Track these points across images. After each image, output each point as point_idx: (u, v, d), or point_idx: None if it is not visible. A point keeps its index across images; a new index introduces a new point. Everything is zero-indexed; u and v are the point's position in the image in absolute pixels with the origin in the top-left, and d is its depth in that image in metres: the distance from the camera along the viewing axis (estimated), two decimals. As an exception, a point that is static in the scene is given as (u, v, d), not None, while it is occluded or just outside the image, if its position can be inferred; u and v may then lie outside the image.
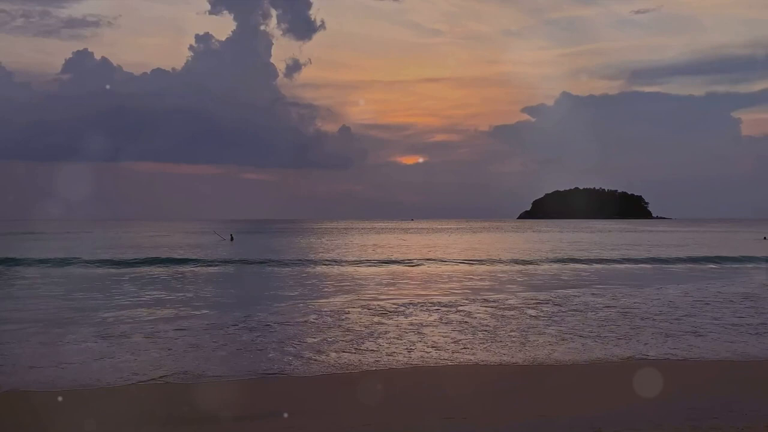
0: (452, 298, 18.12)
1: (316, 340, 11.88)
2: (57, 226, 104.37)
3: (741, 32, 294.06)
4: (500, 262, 32.74)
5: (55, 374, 9.36)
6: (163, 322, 13.54)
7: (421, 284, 22.58)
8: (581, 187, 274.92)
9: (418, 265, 31.04)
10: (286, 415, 7.43)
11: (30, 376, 9.29)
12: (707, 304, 17.23)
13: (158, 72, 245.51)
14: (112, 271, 27.02)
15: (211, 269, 28.34)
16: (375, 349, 11.13)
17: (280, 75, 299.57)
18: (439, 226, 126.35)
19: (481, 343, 11.61)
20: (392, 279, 24.53)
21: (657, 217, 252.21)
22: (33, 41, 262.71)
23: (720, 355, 10.84)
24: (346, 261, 33.19)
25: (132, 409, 7.77)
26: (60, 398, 8.09)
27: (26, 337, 12.12)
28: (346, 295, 18.94)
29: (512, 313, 15.32)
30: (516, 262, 32.73)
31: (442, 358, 10.50)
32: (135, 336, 12.24)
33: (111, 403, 8.05)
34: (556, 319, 14.45)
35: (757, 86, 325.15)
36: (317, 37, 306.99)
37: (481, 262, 32.68)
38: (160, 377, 9.21)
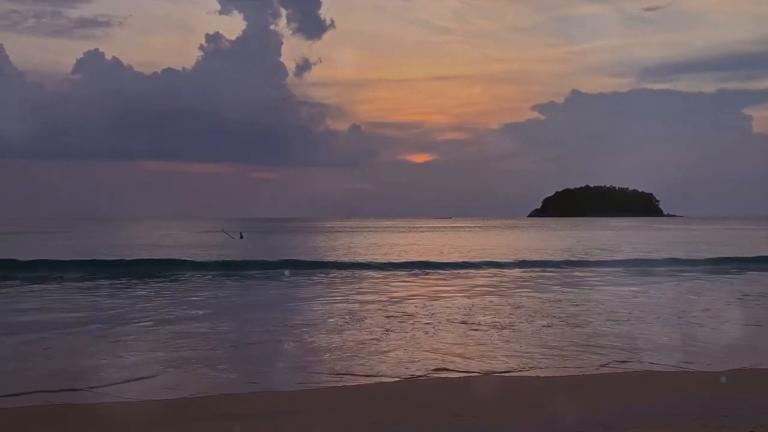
0: (475, 301, 17.91)
1: (329, 346, 11.73)
2: (68, 225, 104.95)
3: (751, 29, 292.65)
4: (523, 263, 31.77)
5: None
6: (177, 334, 13.24)
7: (445, 287, 22.17)
8: (592, 185, 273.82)
9: (445, 267, 30.22)
10: (289, 412, 7.46)
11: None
12: (730, 303, 17.19)
13: (169, 71, 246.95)
14: (127, 272, 26.84)
15: (220, 271, 28.10)
16: (388, 353, 11.06)
17: (290, 74, 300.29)
18: (481, 225, 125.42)
19: (496, 349, 11.51)
20: (416, 281, 24.33)
21: (668, 215, 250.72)
22: (44, 41, 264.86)
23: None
24: (366, 262, 32.49)
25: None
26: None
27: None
28: (363, 298, 18.77)
29: (532, 315, 15.22)
30: (537, 263, 32.01)
31: (456, 363, 10.41)
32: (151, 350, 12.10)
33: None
34: (573, 322, 14.35)
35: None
36: (327, 36, 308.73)
37: (509, 265, 31.26)
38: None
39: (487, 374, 9.57)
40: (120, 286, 21.72)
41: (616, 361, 10.26)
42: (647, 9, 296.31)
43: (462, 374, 9.55)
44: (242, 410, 7.62)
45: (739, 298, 18.43)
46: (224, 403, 8.03)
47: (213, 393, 8.55)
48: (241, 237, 57.32)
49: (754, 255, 34.09)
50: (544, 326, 13.41)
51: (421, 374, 9.50)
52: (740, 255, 34.84)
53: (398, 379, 9.34)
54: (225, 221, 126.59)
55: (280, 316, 15.33)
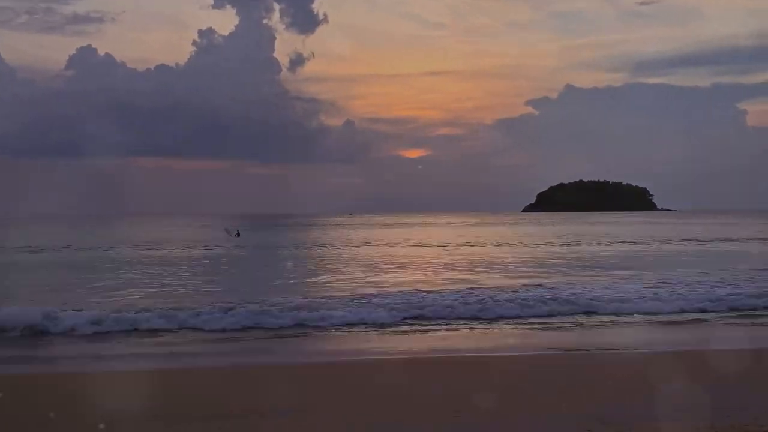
0: (469, 287, 18.15)
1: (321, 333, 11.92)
2: (61, 223, 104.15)
3: (746, 22, 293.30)
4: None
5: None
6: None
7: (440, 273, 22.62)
8: (586, 180, 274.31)
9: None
10: (290, 410, 7.43)
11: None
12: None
13: (162, 67, 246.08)
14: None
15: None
16: (383, 339, 11.06)
17: (284, 69, 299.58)
18: (476, 220, 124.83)
19: (490, 334, 11.57)
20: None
21: (662, 209, 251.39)
22: (37, 37, 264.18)
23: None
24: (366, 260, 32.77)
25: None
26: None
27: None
28: (355, 284, 18.97)
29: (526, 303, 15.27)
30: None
31: (450, 349, 10.44)
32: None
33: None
34: (566, 307, 14.47)
35: (763, 77, 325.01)
36: (320, 30, 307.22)
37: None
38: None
39: (485, 357, 9.57)
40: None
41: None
42: (641, 3, 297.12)
43: (458, 358, 9.55)
44: (236, 410, 7.55)
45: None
46: (218, 401, 7.97)
47: (207, 391, 8.53)
48: (238, 235, 57.07)
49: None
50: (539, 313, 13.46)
51: (418, 358, 9.50)
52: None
53: (392, 360, 9.32)
54: (219, 217, 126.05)
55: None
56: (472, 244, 44.01)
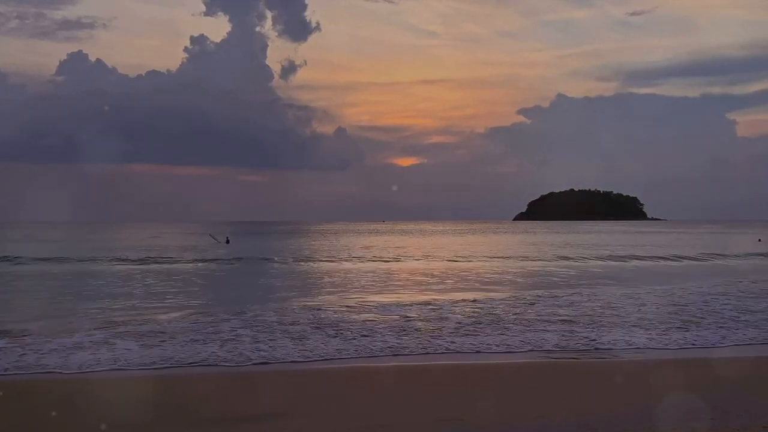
0: (451, 297, 18.11)
1: (309, 336, 11.80)
2: (51, 229, 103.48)
3: (736, 33, 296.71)
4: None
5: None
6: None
7: (424, 284, 22.44)
8: (576, 189, 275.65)
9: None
10: (276, 415, 7.40)
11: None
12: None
13: (153, 74, 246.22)
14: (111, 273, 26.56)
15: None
16: (368, 346, 11.10)
17: (276, 77, 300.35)
18: (467, 228, 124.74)
19: (478, 340, 11.57)
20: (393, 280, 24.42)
21: (652, 219, 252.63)
22: (28, 43, 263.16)
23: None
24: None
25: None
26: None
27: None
28: (340, 293, 18.91)
29: (508, 309, 15.31)
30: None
31: (437, 355, 10.45)
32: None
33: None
34: (552, 317, 14.47)
35: (752, 87, 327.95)
36: (313, 38, 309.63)
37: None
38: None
39: (473, 364, 9.56)
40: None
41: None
42: (632, 14, 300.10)
43: (445, 366, 9.59)
44: (226, 413, 7.55)
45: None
46: (208, 405, 7.96)
47: (195, 395, 8.50)
48: (227, 242, 56.86)
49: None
50: (529, 320, 13.53)
51: (405, 365, 9.52)
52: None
53: (379, 367, 9.30)
54: (212, 224, 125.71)
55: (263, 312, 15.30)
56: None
